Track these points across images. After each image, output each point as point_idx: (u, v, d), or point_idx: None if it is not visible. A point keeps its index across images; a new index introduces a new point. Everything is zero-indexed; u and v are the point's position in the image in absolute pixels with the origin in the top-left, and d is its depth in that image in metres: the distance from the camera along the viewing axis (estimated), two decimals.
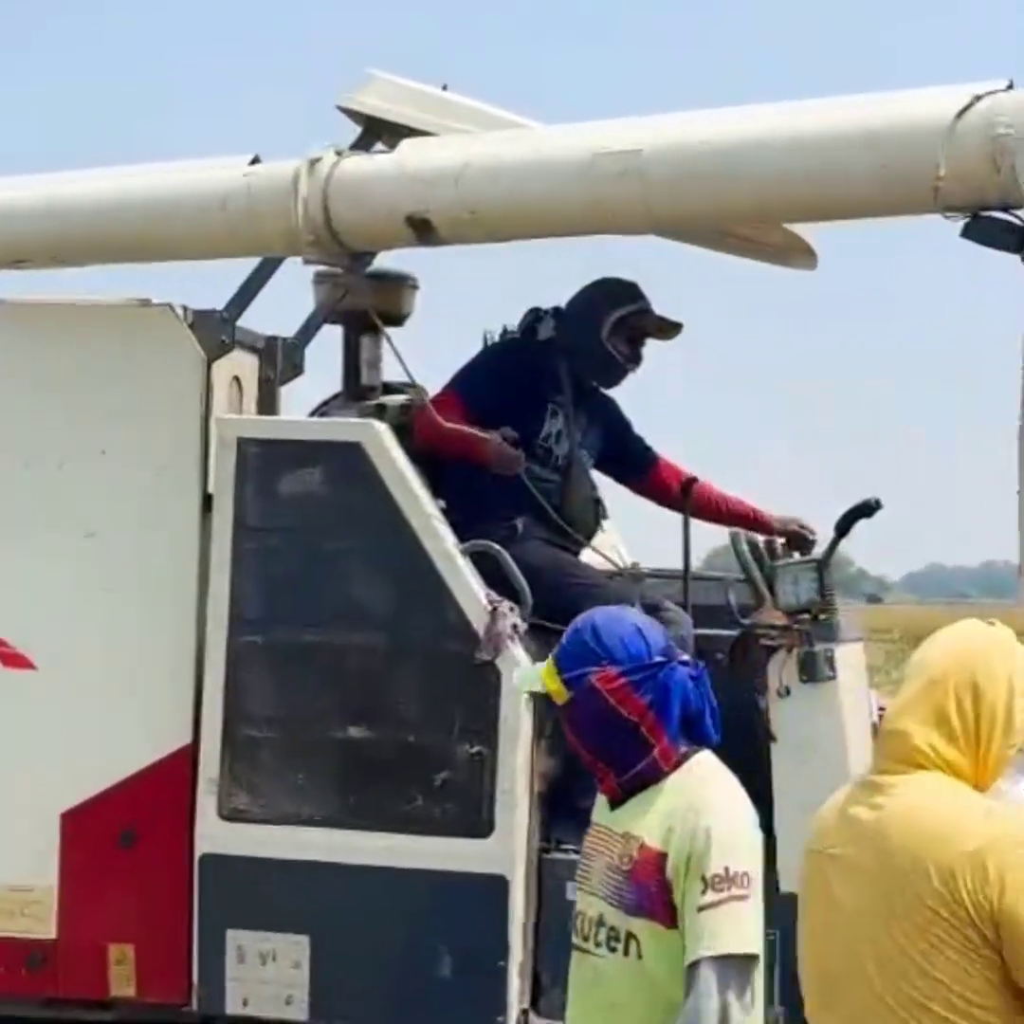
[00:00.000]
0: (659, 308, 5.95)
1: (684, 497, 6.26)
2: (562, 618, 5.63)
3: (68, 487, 5.56)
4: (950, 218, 4.92)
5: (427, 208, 5.42)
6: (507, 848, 4.97)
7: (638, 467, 6.31)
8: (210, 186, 5.83)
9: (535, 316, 6.08)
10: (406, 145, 5.58)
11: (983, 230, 4.88)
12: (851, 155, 4.98)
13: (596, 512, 6.06)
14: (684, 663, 3.48)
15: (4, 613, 5.58)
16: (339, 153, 5.56)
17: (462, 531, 5.43)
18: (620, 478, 6.40)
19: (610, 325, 5.90)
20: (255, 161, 5.72)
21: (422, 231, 5.46)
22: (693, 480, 6.32)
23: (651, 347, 6.01)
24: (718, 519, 6.26)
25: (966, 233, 4.91)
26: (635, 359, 6.09)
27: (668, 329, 6.10)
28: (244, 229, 5.73)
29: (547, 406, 5.86)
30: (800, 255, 6.29)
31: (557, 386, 5.92)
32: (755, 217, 5.65)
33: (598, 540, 6.20)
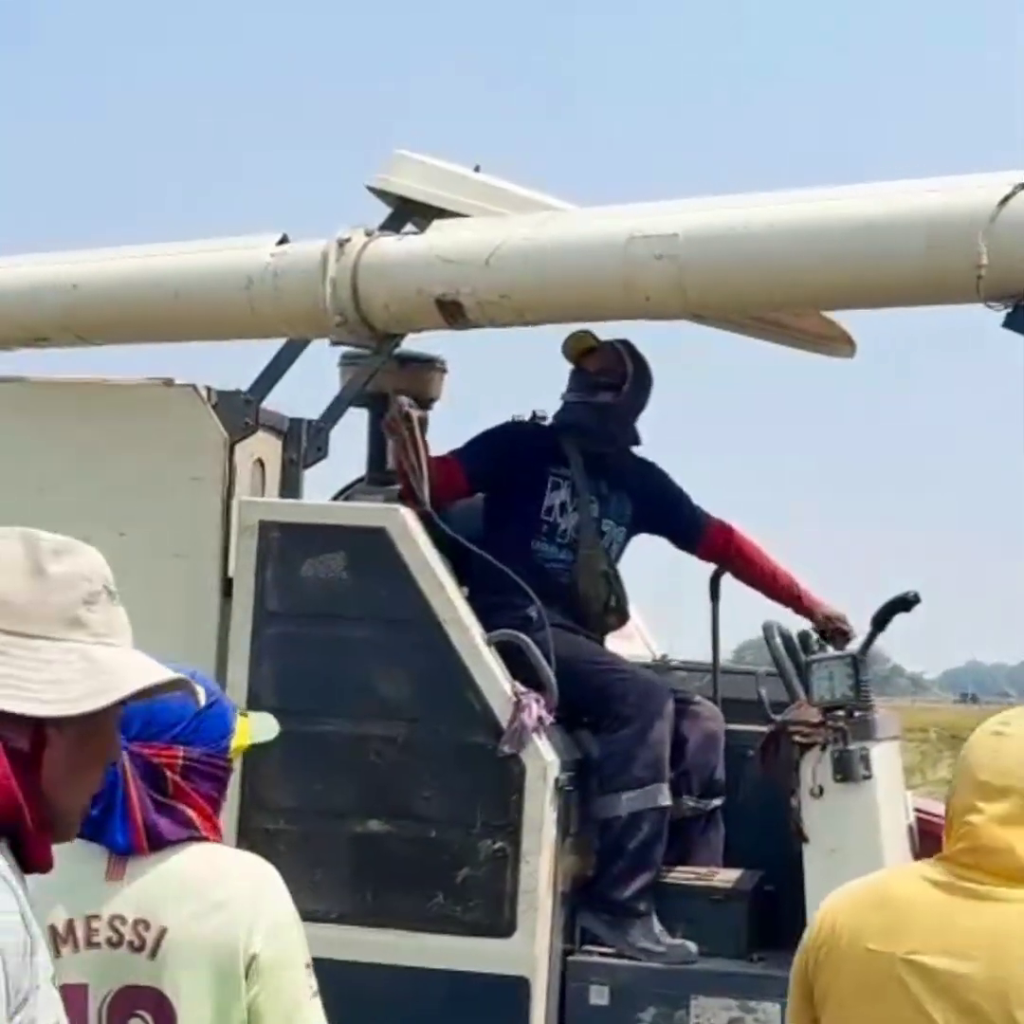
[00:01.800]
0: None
1: (712, 588, 6.26)
2: (590, 708, 5.60)
3: None
4: (992, 307, 4.90)
5: (457, 291, 5.44)
6: (529, 949, 4.89)
7: (685, 534, 6.29)
8: (235, 265, 5.87)
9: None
10: (436, 226, 5.60)
11: None
12: (892, 242, 4.97)
13: (610, 589, 5.98)
14: None
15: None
16: (369, 234, 5.59)
17: (481, 620, 5.41)
18: (674, 543, 6.38)
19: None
20: (283, 241, 5.74)
21: (452, 314, 5.48)
22: (722, 571, 6.29)
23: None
24: (766, 593, 6.23)
25: (1009, 323, 4.90)
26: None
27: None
28: (269, 310, 5.78)
29: (548, 478, 5.84)
30: (837, 343, 6.30)
31: (559, 458, 5.91)
32: (793, 303, 5.63)
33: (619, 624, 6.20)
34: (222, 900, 2.89)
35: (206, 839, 2.97)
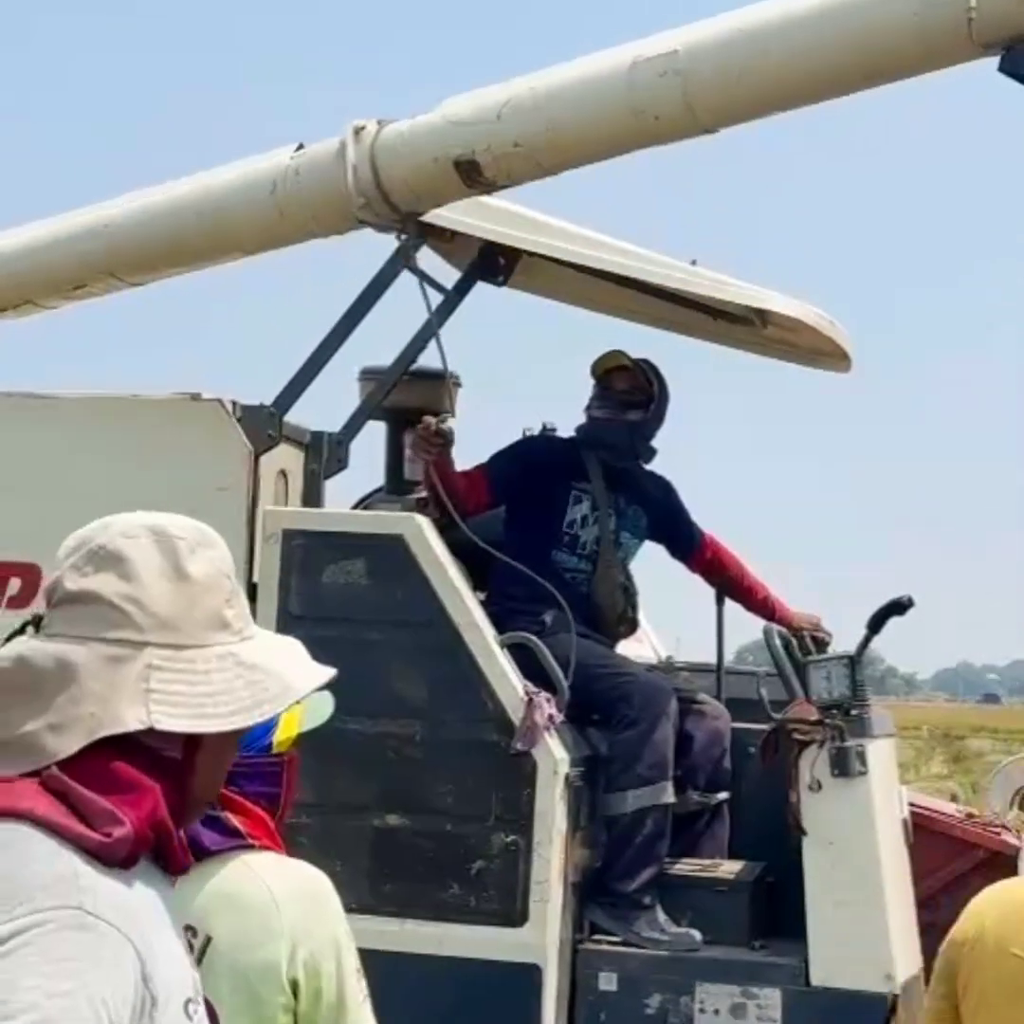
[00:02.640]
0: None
1: (718, 593, 6.31)
2: (598, 708, 5.67)
3: None
4: (988, 54, 4.82)
5: (473, 149, 5.41)
6: (541, 937, 4.93)
7: (683, 548, 6.32)
8: (258, 174, 5.87)
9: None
10: (446, 102, 5.57)
11: (1019, 61, 4.83)
12: (884, 10, 4.92)
13: (627, 600, 6.02)
14: None
15: None
16: (380, 122, 5.60)
17: (501, 624, 5.40)
18: (671, 554, 6.42)
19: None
20: (300, 148, 5.77)
21: (470, 174, 5.45)
22: (724, 586, 6.34)
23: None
24: (744, 605, 6.30)
25: (1003, 67, 4.84)
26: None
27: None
28: (296, 209, 5.77)
29: (570, 492, 5.87)
30: (831, 358, 6.28)
31: (580, 472, 5.93)
32: (799, 98, 5.45)
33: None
34: (265, 919, 2.78)
35: (254, 846, 2.82)
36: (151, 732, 1.90)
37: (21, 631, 2.03)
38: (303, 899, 2.80)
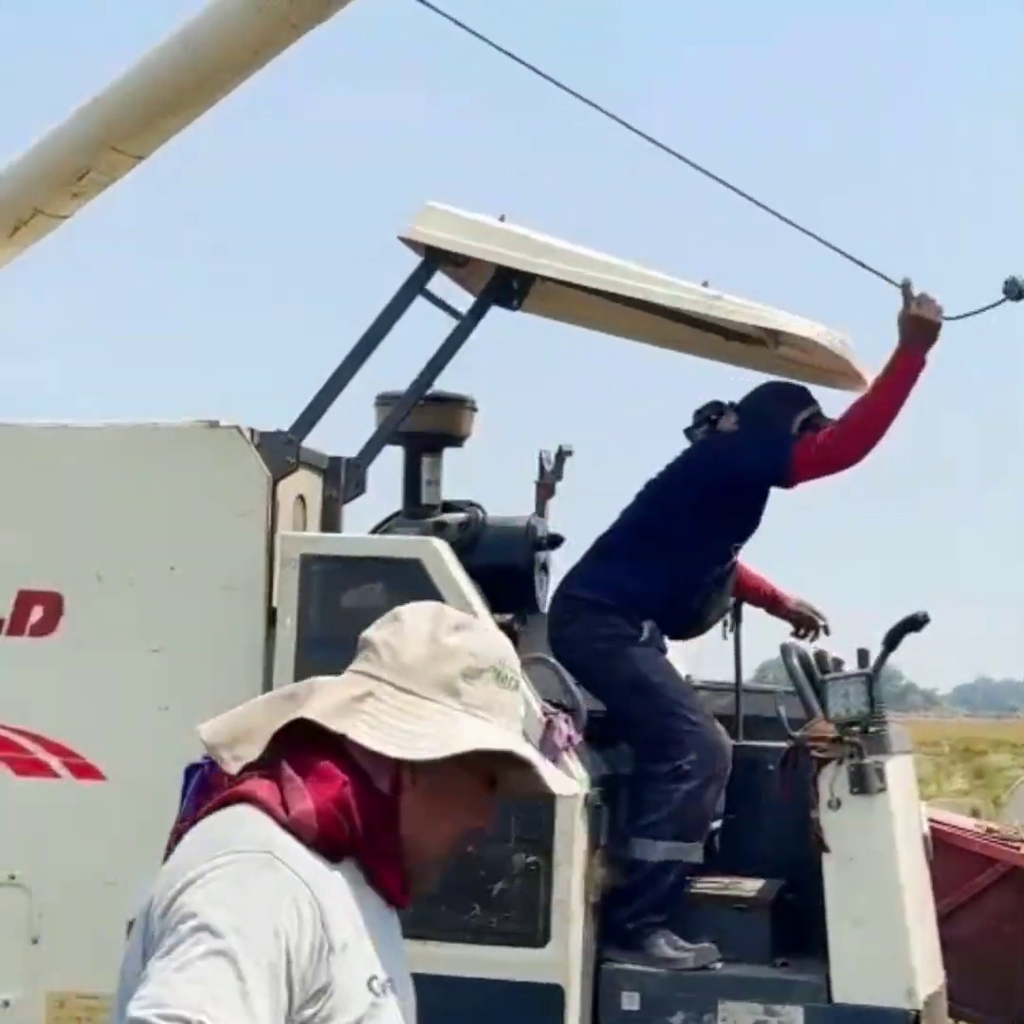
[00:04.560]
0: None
1: (735, 611, 6.28)
2: (651, 740, 5.57)
3: (137, 602, 5.55)
4: None
5: None
6: (563, 957, 4.90)
7: None
8: None
9: (717, 409, 6.07)
10: None
11: None
12: None
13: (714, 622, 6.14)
14: None
15: (76, 726, 5.55)
16: None
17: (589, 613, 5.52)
18: None
19: (798, 424, 5.91)
20: None
21: None
22: (740, 602, 6.32)
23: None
24: (752, 602, 6.33)
25: None
26: None
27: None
28: (281, 6, 5.88)
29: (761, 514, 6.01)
30: (845, 378, 6.24)
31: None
32: None
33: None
34: None
35: None
36: (362, 753, 2.20)
37: None
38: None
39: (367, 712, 2.26)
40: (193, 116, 6.34)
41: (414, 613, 2.36)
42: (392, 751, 2.21)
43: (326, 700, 2.29)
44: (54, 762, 5.56)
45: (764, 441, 5.92)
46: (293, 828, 2.23)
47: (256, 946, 2.13)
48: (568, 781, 2.38)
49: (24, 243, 6.64)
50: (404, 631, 2.32)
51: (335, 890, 2.24)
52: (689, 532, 5.89)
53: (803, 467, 5.85)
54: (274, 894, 2.17)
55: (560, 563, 6.40)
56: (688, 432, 6.14)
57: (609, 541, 5.97)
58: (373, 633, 2.35)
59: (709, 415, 6.05)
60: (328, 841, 2.24)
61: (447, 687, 2.27)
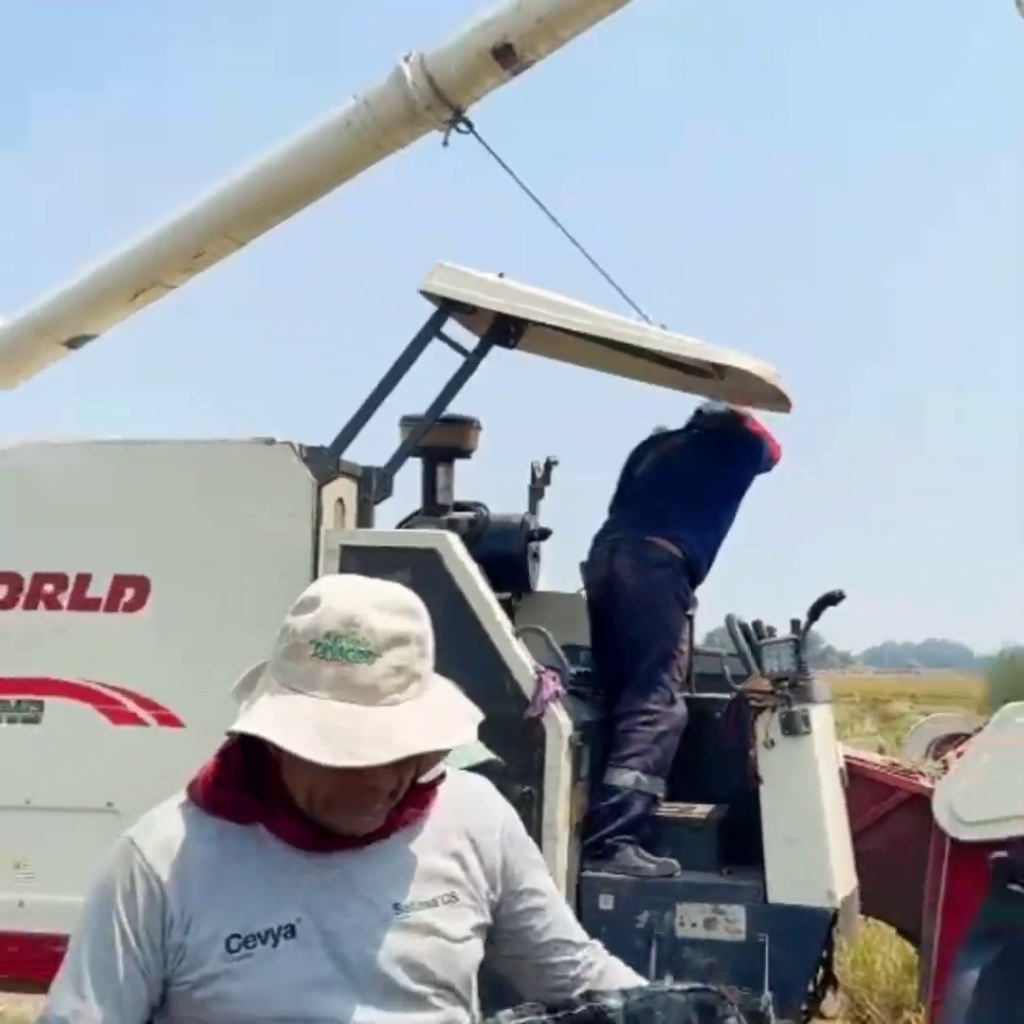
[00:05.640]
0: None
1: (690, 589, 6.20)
2: (637, 680, 5.55)
3: (210, 584, 5.54)
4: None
5: (505, 35, 5.71)
6: (552, 868, 4.81)
7: None
8: (333, 118, 6.11)
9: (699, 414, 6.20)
10: (471, 15, 5.91)
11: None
12: None
13: None
14: None
15: (160, 684, 5.57)
16: (419, 51, 5.93)
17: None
18: None
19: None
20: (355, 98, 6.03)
21: (505, 57, 5.78)
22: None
23: None
24: None
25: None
26: None
27: None
28: (372, 131, 6.04)
29: None
30: (777, 402, 6.17)
31: None
32: None
33: None
34: None
35: None
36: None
37: None
38: None
39: (254, 690, 2.09)
40: (293, 213, 6.41)
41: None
42: (235, 726, 2.02)
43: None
44: (143, 713, 5.55)
45: (761, 439, 6.06)
46: (191, 797, 2.10)
47: (89, 932, 2.03)
48: (321, 750, 1.96)
49: (139, 306, 6.69)
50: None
51: (202, 856, 2.06)
52: (728, 511, 5.96)
53: (778, 457, 6.07)
54: (103, 885, 2.05)
55: (547, 552, 6.38)
56: (690, 426, 6.22)
57: (661, 505, 5.89)
58: None
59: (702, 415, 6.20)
60: (213, 802, 2.09)
61: (276, 666, 2.06)
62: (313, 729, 1.93)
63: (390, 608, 2.03)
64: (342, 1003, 1.99)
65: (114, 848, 2.08)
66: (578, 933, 2.27)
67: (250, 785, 2.08)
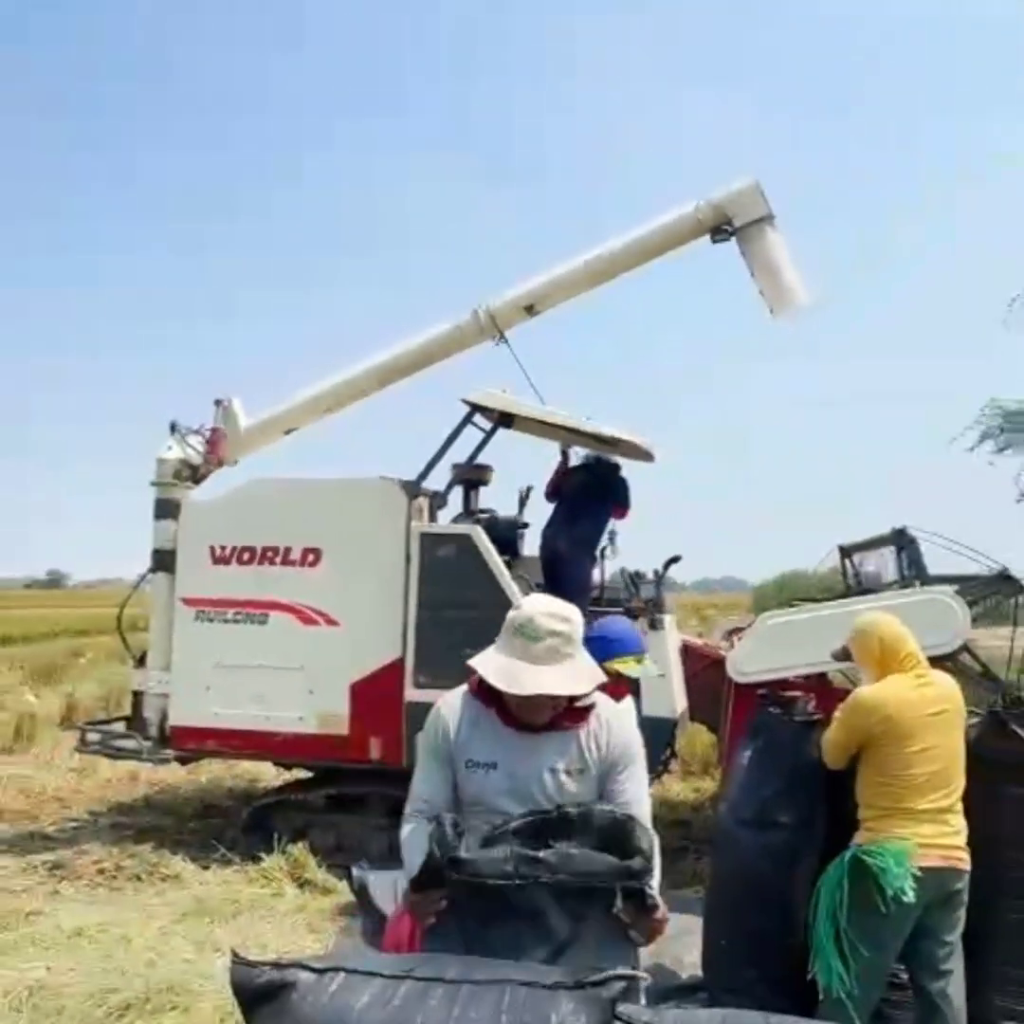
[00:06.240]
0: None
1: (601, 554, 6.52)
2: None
3: (355, 555, 6.13)
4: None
5: (532, 303, 6.10)
6: None
7: None
8: (443, 336, 6.33)
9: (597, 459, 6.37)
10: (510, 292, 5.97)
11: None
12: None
13: None
14: None
15: (328, 603, 6.14)
16: (486, 304, 6.18)
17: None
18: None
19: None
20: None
21: (530, 310, 6.21)
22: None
23: None
24: None
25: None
26: None
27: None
28: (454, 346, 6.24)
29: None
30: (642, 456, 6.60)
31: None
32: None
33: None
34: None
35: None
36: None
37: None
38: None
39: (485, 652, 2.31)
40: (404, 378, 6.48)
41: (519, 604, 2.37)
42: (496, 684, 2.28)
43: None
44: (319, 618, 6.16)
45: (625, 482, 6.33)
46: (468, 688, 2.41)
47: (421, 743, 2.43)
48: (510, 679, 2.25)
49: (325, 415, 6.79)
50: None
51: (467, 716, 2.36)
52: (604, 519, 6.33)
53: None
54: (429, 724, 2.41)
55: (528, 536, 6.94)
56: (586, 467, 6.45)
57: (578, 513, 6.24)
58: None
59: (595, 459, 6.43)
60: (474, 693, 2.41)
61: (498, 639, 2.36)
62: (501, 670, 2.30)
63: (551, 614, 2.36)
64: (511, 804, 2.34)
65: (432, 709, 2.42)
66: (637, 815, 2.35)
67: (490, 690, 2.36)
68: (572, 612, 2.35)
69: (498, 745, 2.35)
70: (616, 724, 2.46)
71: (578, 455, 6.73)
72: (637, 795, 2.43)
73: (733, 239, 5.79)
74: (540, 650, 2.29)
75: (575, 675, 2.31)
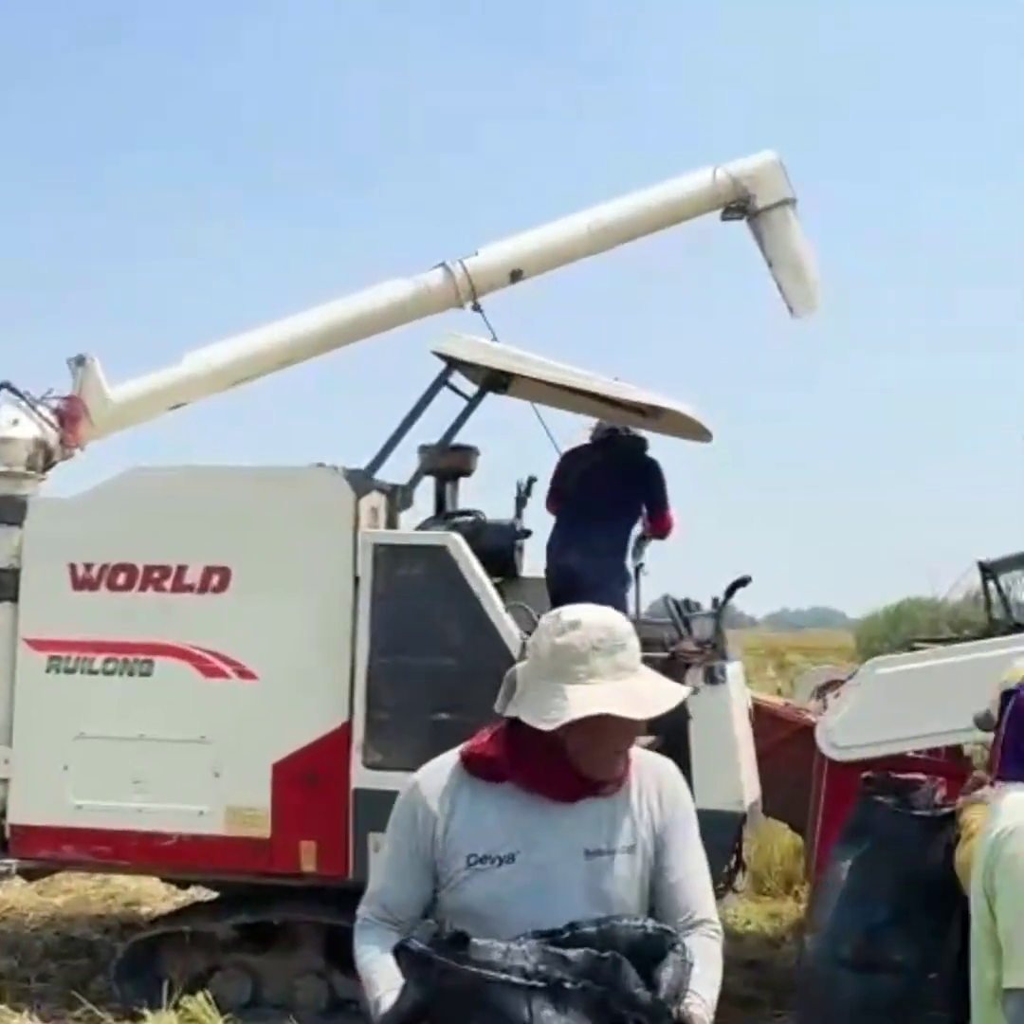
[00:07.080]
0: None
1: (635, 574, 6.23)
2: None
3: (275, 573, 5.46)
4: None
5: (521, 266, 6.07)
6: None
7: None
8: (397, 299, 6.17)
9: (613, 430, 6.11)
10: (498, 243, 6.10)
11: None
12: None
13: None
14: None
15: (239, 647, 5.48)
16: (458, 260, 6.07)
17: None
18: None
19: None
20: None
21: (514, 278, 6.09)
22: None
23: None
24: None
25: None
26: None
27: None
28: (414, 310, 6.13)
29: None
30: (698, 434, 6.11)
31: None
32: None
33: None
34: None
35: None
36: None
37: None
38: None
39: (514, 696, 2.12)
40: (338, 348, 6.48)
41: (542, 622, 2.16)
42: (542, 726, 2.04)
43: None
44: (227, 668, 5.50)
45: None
46: (462, 759, 2.16)
47: (390, 832, 2.20)
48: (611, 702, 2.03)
49: (231, 388, 6.55)
50: (536, 634, 2.16)
51: (463, 796, 2.12)
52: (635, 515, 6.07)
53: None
54: (401, 805, 2.17)
55: (529, 546, 6.39)
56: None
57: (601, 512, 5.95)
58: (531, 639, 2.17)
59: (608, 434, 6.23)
60: (474, 767, 2.14)
61: (560, 672, 2.07)
62: (542, 703, 2.03)
63: (597, 624, 2.14)
64: (534, 912, 2.05)
65: (406, 785, 2.20)
66: (697, 904, 2.18)
67: (500, 758, 2.13)
68: (618, 618, 2.14)
69: (516, 827, 2.07)
70: (665, 772, 2.24)
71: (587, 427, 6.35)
72: (698, 866, 2.21)
73: (744, 221, 6.07)
74: (600, 664, 2.03)
75: (654, 686, 2.12)
